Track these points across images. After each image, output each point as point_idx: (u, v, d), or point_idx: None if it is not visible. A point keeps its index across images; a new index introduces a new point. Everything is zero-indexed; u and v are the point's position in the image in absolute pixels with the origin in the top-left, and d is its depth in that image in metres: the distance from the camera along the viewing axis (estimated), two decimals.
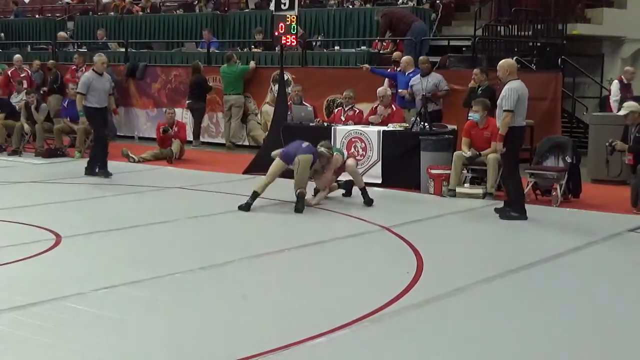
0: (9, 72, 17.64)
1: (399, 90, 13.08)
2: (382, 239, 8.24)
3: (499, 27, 15.59)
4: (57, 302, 5.73)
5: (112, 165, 12.19)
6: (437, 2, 16.44)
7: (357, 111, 12.52)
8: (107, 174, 11.99)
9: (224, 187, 11.29)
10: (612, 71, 17.22)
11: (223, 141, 16.10)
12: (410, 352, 4.96)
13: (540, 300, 6.13)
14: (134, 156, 13.73)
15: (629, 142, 10.17)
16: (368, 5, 16.81)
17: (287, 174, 9.85)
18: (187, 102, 16.24)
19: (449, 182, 10.45)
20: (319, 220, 9.25)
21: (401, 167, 11.16)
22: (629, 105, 10.64)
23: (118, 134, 17.04)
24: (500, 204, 9.41)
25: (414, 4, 15.99)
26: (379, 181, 11.21)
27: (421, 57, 13.13)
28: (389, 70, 13.82)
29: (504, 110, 8.95)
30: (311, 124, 12.14)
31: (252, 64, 15.80)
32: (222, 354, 4.86)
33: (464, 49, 15.36)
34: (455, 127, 11.58)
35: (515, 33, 15.34)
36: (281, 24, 11.93)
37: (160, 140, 14.36)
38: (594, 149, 11.90)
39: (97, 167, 12.10)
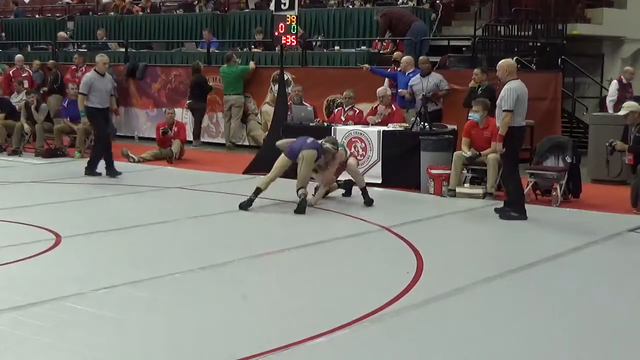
0: (10, 72, 17.63)
1: (399, 90, 13.09)
2: (382, 239, 8.24)
3: (499, 27, 15.59)
4: (57, 302, 5.73)
5: None
6: (437, 2, 16.44)
7: (357, 111, 12.52)
8: (116, 173, 12.00)
9: (224, 187, 11.29)
10: (612, 71, 17.22)
11: (223, 141, 16.10)
12: (410, 352, 4.96)
13: (540, 300, 6.13)
14: (134, 156, 13.73)
15: (629, 142, 10.17)
16: (368, 5, 16.81)
17: (288, 174, 9.86)
18: (188, 102, 16.25)
19: (449, 182, 10.45)
20: (319, 220, 9.24)
21: (401, 167, 11.16)
22: (629, 105, 10.64)
23: (118, 134, 17.03)
24: (500, 204, 9.41)
25: (414, 4, 15.99)
26: (379, 181, 11.21)
27: (421, 57, 13.13)
28: (389, 70, 13.83)
29: (503, 110, 8.95)
30: (311, 124, 12.14)
31: (251, 64, 15.80)
32: (222, 354, 4.86)
33: (464, 49, 15.36)
34: (455, 127, 11.58)
35: (515, 33, 15.34)
36: (281, 24, 11.93)
37: (160, 141, 14.37)
38: (594, 149, 11.90)
39: (97, 167, 12.10)
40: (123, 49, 18.61)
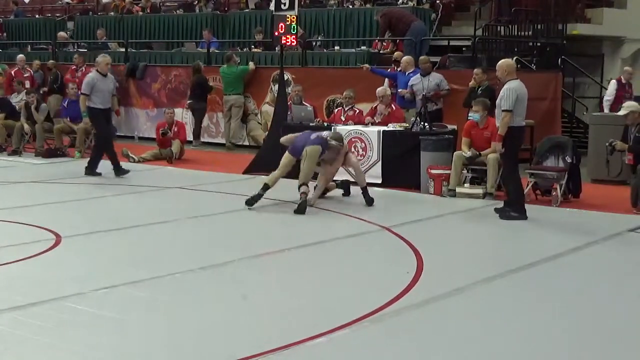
0: (12, 72, 17.63)
1: (399, 90, 13.09)
2: (382, 239, 8.24)
3: (499, 27, 15.59)
4: (57, 302, 5.73)
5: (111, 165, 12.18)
6: (437, 2, 16.44)
7: (357, 111, 12.52)
8: (124, 172, 12.02)
9: (224, 187, 11.29)
10: (612, 71, 17.22)
11: (223, 141, 16.10)
12: (410, 352, 4.96)
13: (540, 300, 6.13)
14: (134, 156, 13.73)
15: (629, 142, 10.17)
16: (368, 5, 16.81)
17: (291, 173, 9.86)
18: (188, 102, 16.26)
19: (449, 182, 10.45)
20: (319, 220, 9.24)
21: (401, 167, 11.16)
22: (629, 105, 10.65)
23: (118, 133, 17.02)
24: (500, 204, 9.41)
25: (414, 4, 16.00)
26: (379, 181, 11.21)
27: (422, 57, 13.13)
28: (389, 70, 13.83)
29: (503, 110, 8.96)
30: (311, 124, 12.13)
31: (251, 65, 15.79)
32: (222, 354, 4.86)
33: (464, 49, 15.36)
34: (455, 127, 11.58)
35: (515, 33, 15.34)
36: (281, 24, 11.93)
37: (160, 141, 14.37)
38: (594, 149, 11.90)
39: (97, 167, 12.10)
40: (123, 49, 18.60)
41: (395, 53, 13.94)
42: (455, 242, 8.30)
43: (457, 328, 5.41)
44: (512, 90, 8.95)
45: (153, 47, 19.00)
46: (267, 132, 14.15)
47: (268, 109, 15.28)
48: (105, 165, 12.15)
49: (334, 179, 10.52)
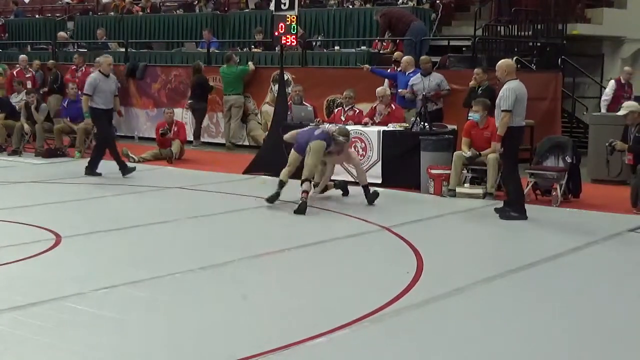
0: (14, 72, 17.62)
1: (399, 90, 13.09)
2: (382, 239, 8.24)
3: (499, 27, 15.59)
4: (57, 302, 5.73)
5: (112, 165, 12.16)
6: (437, 2, 16.44)
7: (357, 111, 12.52)
8: (130, 170, 12.03)
9: (224, 187, 11.29)
10: (612, 71, 17.22)
11: (223, 141, 16.10)
12: (410, 352, 4.96)
13: (540, 300, 6.13)
14: (134, 156, 13.72)
15: (629, 142, 10.17)
16: (368, 5, 16.81)
17: (294, 173, 9.89)
18: (189, 102, 16.26)
19: (449, 182, 10.45)
20: (319, 220, 9.25)
21: (401, 167, 11.16)
22: (629, 105, 10.65)
23: (118, 133, 17.01)
24: (500, 204, 9.41)
25: (414, 4, 16.00)
26: (379, 181, 11.20)
27: (423, 57, 13.13)
28: (389, 70, 13.82)
29: (502, 111, 8.97)
30: (311, 124, 12.12)
31: (250, 65, 15.78)
32: (222, 354, 4.87)
33: (464, 49, 15.36)
34: (455, 127, 11.59)
35: (515, 33, 15.34)
36: (281, 24, 11.92)
37: (160, 141, 14.37)
38: (594, 149, 11.90)
39: (97, 167, 12.10)
40: (123, 49, 18.60)
41: (395, 53, 13.94)
42: (455, 242, 8.30)
43: (457, 328, 5.41)
44: (511, 91, 8.95)
45: (153, 47, 19.00)
46: (267, 132, 14.15)
47: (268, 109, 15.28)
48: (105, 166, 12.15)
49: (332, 178, 10.55)
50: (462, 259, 7.52)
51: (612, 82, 14.17)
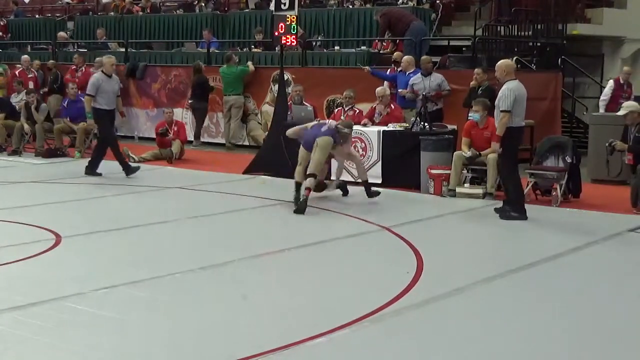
0: (16, 73, 17.61)
1: (399, 90, 13.09)
2: (382, 239, 8.24)
3: (499, 27, 15.58)
4: (57, 302, 5.73)
5: (112, 165, 12.17)
6: (437, 2, 16.44)
7: (357, 111, 12.52)
8: (134, 170, 12.01)
9: (224, 187, 11.29)
10: (612, 71, 17.22)
11: (223, 141, 16.10)
12: (410, 352, 4.96)
13: (540, 300, 6.13)
14: (134, 156, 13.72)
15: (629, 142, 10.17)
16: (368, 5, 16.80)
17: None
18: (189, 102, 16.27)
19: (449, 182, 10.45)
20: (319, 220, 9.24)
21: (401, 167, 11.16)
22: (628, 105, 10.65)
23: (118, 133, 17.00)
24: (500, 204, 9.41)
25: (414, 4, 16.00)
26: (379, 181, 11.19)
27: (424, 57, 13.13)
28: (388, 71, 13.81)
29: (501, 111, 8.99)
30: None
31: (250, 65, 15.77)
32: (222, 354, 4.87)
33: (464, 49, 15.36)
34: (455, 127, 11.59)
35: (515, 33, 15.34)
36: (281, 24, 11.92)
37: (160, 141, 14.37)
38: (594, 149, 11.90)
39: (98, 167, 12.09)
40: (123, 49, 18.60)
41: (395, 54, 13.92)
42: (455, 242, 8.30)
43: (457, 328, 5.41)
44: (510, 91, 8.96)
45: (153, 47, 19.00)
46: (267, 132, 14.15)
47: (268, 109, 15.28)
48: (105, 166, 12.15)
49: (331, 178, 10.58)
50: (462, 259, 7.52)
51: (610, 82, 14.18)
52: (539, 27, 15.53)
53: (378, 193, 10.14)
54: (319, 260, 7.42)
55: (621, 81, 14.00)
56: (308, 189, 9.46)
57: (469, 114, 10.95)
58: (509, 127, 8.97)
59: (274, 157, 12.19)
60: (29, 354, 4.82)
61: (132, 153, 13.83)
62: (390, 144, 11.34)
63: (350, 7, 17.07)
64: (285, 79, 13.62)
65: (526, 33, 15.39)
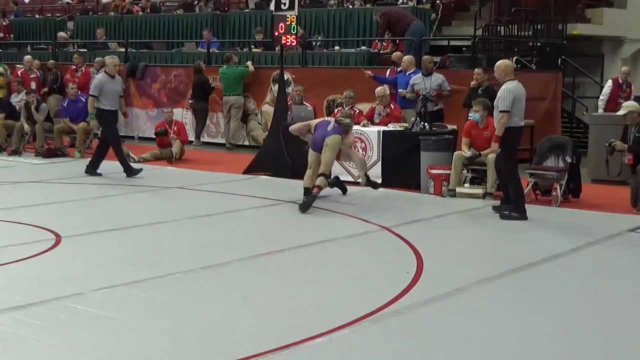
0: (19, 73, 17.59)
1: (399, 90, 13.08)
2: (382, 239, 8.24)
3: (499, 27, 15.59)
4: (57, 302, 5.73)
5: (112, 165, 12.17)
6: (437, 2, 16.44)
7: (357, 111, 12.51)
8: (135, 172, 12.00)
9: (224, 187, 11.29)
10: (612, 71, 17.22)
11: (223, 141, 16.10)
12: (410, 352, 4.96)
13: (540, 300, 6.13)
14: (134, 156, 13.71)
15: (629, 142, 10.17)
16: (368, 5, 16.81)
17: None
18: (190, 102, 16.26)
19: (449, 182, 10.45)
20: (319, 220, 9.24)
21: (401, 167, 11.16)
22: (628, 104, 10.65)
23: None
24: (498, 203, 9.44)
25: (413, 4, 16.00)
26: (379, 181, 11.18)
27: (425, 57, 13.13)
28: (388, 71, 13.78)
29: (500, 111, 9.00)
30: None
31: (249, 66, 15.77)
32: (222, 354, 4.87)
33: (464, 49, 15.37)
34: (455, 127, 11.59)
35: (515, 33, 15.34)
36: (281, 24, 11.92)
37: (159, 142, 14.37)
38: (594, 149, 11.90)
39: (99, 167, 12.09)
40: (123, 49, 18.60)
41: (394, 54, 13.91)
42: (455, 242, 8.30)
43: (457, 328, 5.41)
44: (509, 91, 8.97)
45: (153, 47, 19.00)
46: (267, 132, 14.15)
47: (268, 109, 15.29)
48: (105, 166, 12.15)
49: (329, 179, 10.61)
50: (462, 259, 7.52)
51: (609, 82, 14.19)
52: (539, 27, 15.53)
53: (379, 184, 10.17)
54: (319, 260, 7.42)
55: (620, 81, 14.00)
56: (318, 187, 9.49)
57: (469, 114, 10.96)
58: (508, 127, 8.98)
59: (274, 157, 12.21)
60: (29, 354, 4.82)
61: (132, 153, 13.83)
62: (390, 144, 11.35)
63: (350, 7, 17.07)
64: (285, 79, 13.62)
65: (526, 33, 15.40)
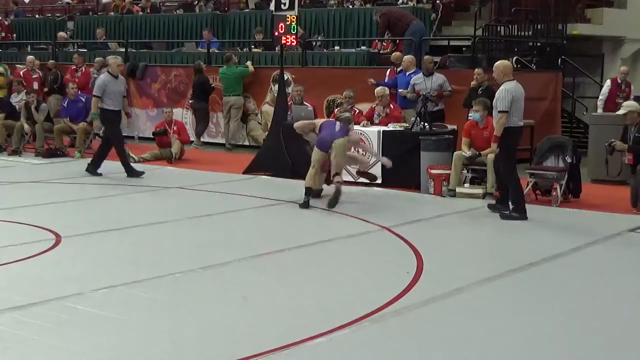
0: (21, 73, 17.59)
1: (400, 90, 13.08)
2: (382, 239, 8.24)
3: (499, 27, 15.59)
4: (57, 302, 5.74)
5: (113, 165, 12.18)
6: (437, 2, 16.44)
7: (357, 111, 12.52)
8: (137, 173, 11.99)
9: (224, 187, 11.29)
10: (612, 71, 17.19)
11: (223, 141, 16.10)
12: (410, 352, 4.96)
13: (540, 300, 6.13)
14: (134, 156, 13.70)
15: (629, 142, 10.18)
16: (368, 5, 16.81)
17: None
18: (190, 102, 16.26)
19: (449, 182, 10.45)
20: (319, 220, 9.25)
21: (401, 167, 11.15)
22: (628, 104, 10.66)
23: None
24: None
25: (413, 4, 15.99)
26: (379, 181, 11.20)
27: (426, 57, 13.12)
28: (388, 71, 13.76)
29: (499, 112, 9.02)
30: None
31: (249, 66, 15.76)
32: (222, 354, 4.87)
33: (464, 49, 15.37)
34: (455, 127, 11.59)
35: (515, 33, 15.34)
36: (281, 24, 11.92)
37: (159, 142, 14.37)
38: (594, 149, 11.90)
39: (100, 167, 12.08)
40: (123, 49, 18.60)
41: (393, 54, 13.89)
42: (455, 242, 8.29)
43: (457, 328, 5.41)
44: (507, 92, 8.99)
45: (153, 47, 19.00)
46: (267, 132, 14.15)
47: (268, 109, 15.28)
48: (105, 166, 12.15)
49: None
50: (462, 259, 7.52)
51: (607, 82, 14.19)
52: (539, 27, 15.53)
53: (375, 178, 10.35)
54: (319, 260, 7.42)
55: (619, 81, 13.99)
56: (338, 182, 9.62)
57: (469, 114, 10.96)
58: (507, 127, 8.99)
59: (274, 157, 12.21)
60: (29, 354, 4.82)
61: (132, 153, 13.82)
62: (390, 144, 11.34)
63: (350, 7, 17.07)
64: (285, 79, 13.62)
65: (526, 33, 15.40)
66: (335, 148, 9.71)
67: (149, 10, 20.43)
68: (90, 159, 12.51)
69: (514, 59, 13.76)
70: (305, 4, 17.53)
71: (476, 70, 12.27)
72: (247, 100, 15.96)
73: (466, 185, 10.56)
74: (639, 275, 7.10)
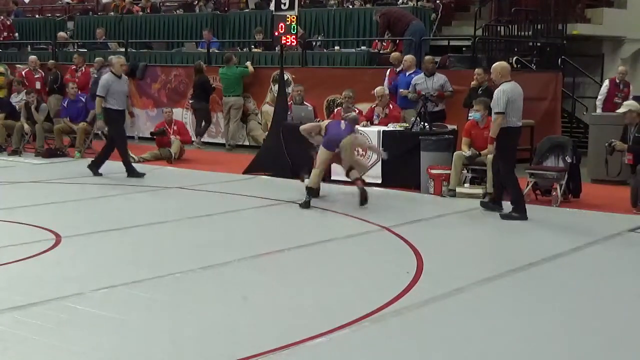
0: (23, 73, 17.59)
1: (400, 90, 13.08)
2: (382, 239, 8.24)
3: (499, 27, 15.59)
4: (57, 302, 5.73)
5: (113, 165, 12.18)
6: (437, 2, 16.44)
7: (357, 111, 12.51)
8: (138, 174, 11.99)
9: (224, 187, 11.29)
10: (612, 71, 17.17)
11: (223, 141, 16.10)
12: (410, 352, 4.96)
13: (540, 300, 6.13)
14: (134, 156, 13.67)
15: (629, 142, 10.18)
16: (368, 5, 16.81)
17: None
18: (190, 102, 16.26)
19: (449, 182, 10.45)
20: (319, 220, 9.25)
21: (401, 167, 11.16)
22: (629, 103, 10.68)
23: None
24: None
25: (413, 4, 15.99)
26: (379, 181, 11.21)
27: (427, 57, 13.12)
28: (387, 72, 13.75)
29: (495, 113, 9.06)
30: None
31: (249, 66, 15.75)
32: (222, 354, 4.87)
33: (464, 49, 15.37)
34: (455, 127, 11.59)
35: (515, 33, 15.34)
36: (281, 24, 11.92)
37: (158, 141, 14.36)
38: (594, 149, 11.90)
39: (101, 167, 12.08)
40: (123, 49, 18.60)
41: (392, 55, 13.89)
42: (455, 242, 8.29)
43: (457, 328, 5.41)
44: (503, 93, 9.03)
45: (153, 47, 19.00)
46: (267, 132, 14.15)
47: (268, 109, 15.28)
48: (105, 166, 12.15)
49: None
50: (462, 259, 7.52)
51: (606, 82, 14.20)
52: (539, 27, 15.53)
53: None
54: (319, 260, 7.42)
55: (617, 81, 13.99)
56: (358, 179, 9.75)
57: (470, 114, 10.96)
58: (505, 127, 9.02)
59: (274, 157, 12.21)
60: (29, 354, 4.82)
61: (132, 153, 13.81)
62: (390, 144, 11.33)
63: (350, 7, 17.07)
64: (285, 79, 13.62)
65: (526, 33, 15.40)
66: (344, 146, 9.73)
67: (149, 10, 20.44)
68: (91, 159, 12.50)
69: (514, 59, 13.77)
70: (305, 4, 17.53)
71: (476, 70, 12.27)
72: (247, 100, 15.96)
73: (466, 185, 10.57)
74: (639, 275, 7.10)
